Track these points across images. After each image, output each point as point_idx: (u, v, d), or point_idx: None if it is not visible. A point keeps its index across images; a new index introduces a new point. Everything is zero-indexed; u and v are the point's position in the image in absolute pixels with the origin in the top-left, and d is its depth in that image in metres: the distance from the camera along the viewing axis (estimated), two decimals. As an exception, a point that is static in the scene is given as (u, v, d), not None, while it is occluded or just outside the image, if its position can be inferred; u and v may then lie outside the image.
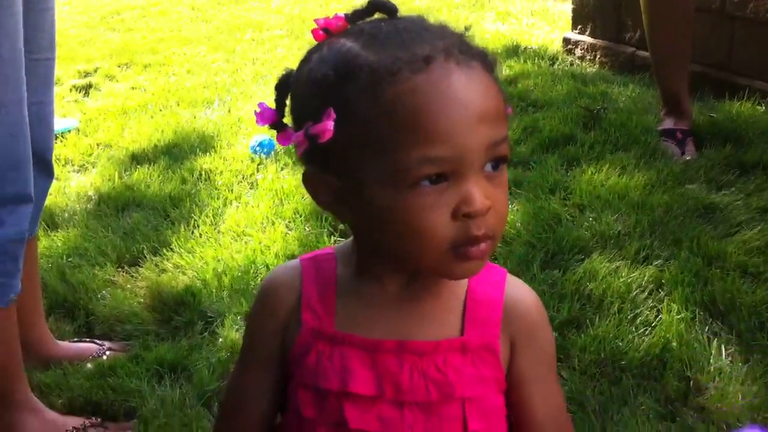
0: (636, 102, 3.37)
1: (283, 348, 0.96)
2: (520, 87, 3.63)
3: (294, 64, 0.92)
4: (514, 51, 4.11)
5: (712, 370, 1.83)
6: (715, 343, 1.91)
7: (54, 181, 1.94)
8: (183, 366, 1.95)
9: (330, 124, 0.82)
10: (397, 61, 0.81)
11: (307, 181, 0.90)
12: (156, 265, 2.41)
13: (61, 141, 3.41)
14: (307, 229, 2.52)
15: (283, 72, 0.92)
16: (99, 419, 1.82)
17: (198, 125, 3.55)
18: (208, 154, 3.20)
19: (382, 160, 0.82)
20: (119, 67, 4.55)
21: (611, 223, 2.42)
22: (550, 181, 2.69)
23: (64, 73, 4.34)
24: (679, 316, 1.99)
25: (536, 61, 3.97)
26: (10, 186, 1.58)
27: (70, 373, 1.95)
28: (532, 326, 0.94)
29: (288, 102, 0.91)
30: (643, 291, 2.11)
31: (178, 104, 3.86)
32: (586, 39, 4.00)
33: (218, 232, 2.58)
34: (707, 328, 1.97)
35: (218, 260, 2.38)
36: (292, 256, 2.29)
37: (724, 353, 1.89)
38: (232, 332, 2.04)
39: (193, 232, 2.58)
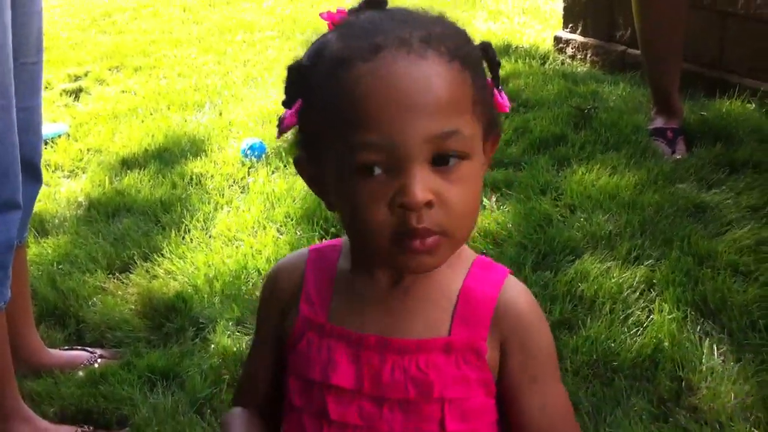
0: (626, 101, 3.36)
1: (283, 333, 0.98)
2: (511, 87, 3.62)
3: (284, 66, 0.93)
4: (505, 50, 4.10)
5: (704, 369, 1.84)
6: (706, 342, 1.92)
7: (44, 187, 1.94)
8: (175, 373, 1.95)
9: (290, 113, 0.87)
10: (351, 50, 0.82)
11: (296, 166, 0.94)
12: (147, 271, 2.40)
13: (51, 146, 3.39)
14: (299, 233, 2.51)
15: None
16: (91, 428, 1.82)
17: (189, 129, 3.53)
18: (198, 158, 3.19)
19: (333, 147, 0.84)
20: (110, 70, 4.53)
21: (602, 223, 2.42)
22: (541, 181, 2.69)
23: (55, 77, 4.32)
24: (670, 316, 1.99)
25: (527, 60, 3.97)
26: (-2, 193, 1.58)
27: (62, 382, 1.95)
28: (525, 328, 0.91)
29: None
30: (635, 291, 2.11)
31: (169, 108, 3.85)
32: (577, 37, 4.00)
33: (209, 237, 2.57)
34: (699, 327, 1.97)
35: (209, 265, 2.38)
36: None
37: (716, 353, 1.89)
38: (224, 338, 2.04)
39: (184, 238, 2.57)
